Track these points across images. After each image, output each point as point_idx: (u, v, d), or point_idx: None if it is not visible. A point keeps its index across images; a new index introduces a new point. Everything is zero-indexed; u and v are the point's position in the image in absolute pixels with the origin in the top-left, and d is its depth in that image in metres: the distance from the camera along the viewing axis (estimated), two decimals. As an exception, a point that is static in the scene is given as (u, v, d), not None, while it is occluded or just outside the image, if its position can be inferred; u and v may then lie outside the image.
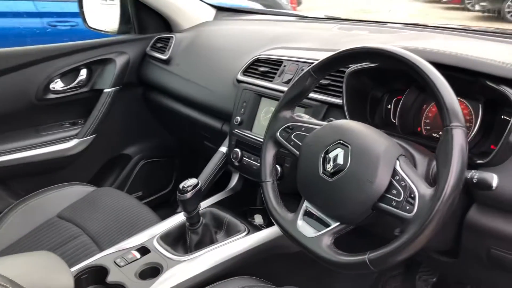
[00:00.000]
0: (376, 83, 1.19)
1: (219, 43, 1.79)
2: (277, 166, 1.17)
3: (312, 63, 1.29)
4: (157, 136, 2.24)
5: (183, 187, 1.17)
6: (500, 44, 1.26)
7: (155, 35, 2.03)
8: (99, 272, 1.14)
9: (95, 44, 1.89)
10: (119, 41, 1.98)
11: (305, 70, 1.03)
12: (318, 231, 0.91)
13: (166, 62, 1.90)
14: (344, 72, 1.18)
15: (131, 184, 2.15)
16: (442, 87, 0.79)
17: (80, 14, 1.98)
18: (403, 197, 0.80)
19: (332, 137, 0.92)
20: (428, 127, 1.14)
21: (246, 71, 1.51)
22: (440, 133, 1.10)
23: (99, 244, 1.31)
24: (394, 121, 1.19)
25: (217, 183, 1.50)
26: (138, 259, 1.17)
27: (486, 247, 0.98)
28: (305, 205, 0.96)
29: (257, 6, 3.14)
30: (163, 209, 2.04)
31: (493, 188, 0.78)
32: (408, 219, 0.78)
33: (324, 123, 0.99)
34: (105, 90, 1.92)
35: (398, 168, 0.83)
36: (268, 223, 1.47)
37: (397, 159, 0.84)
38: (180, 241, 1.30)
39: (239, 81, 1.51)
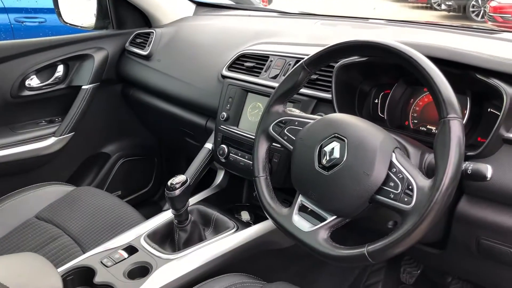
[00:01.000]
0: (365, 77, 1.20)
1: (201, 39, 1.77)
2: None
3: (300, 58, 1.30)
4: (137, 134, 2.20)
5: (171, 184, 1.14)
6: (481, 39, 1.29)
7: (134, 31, 1.99)
8: (86, 273, 1.11)
9: (72, 39, 1.84)
10: (97, 36, 1.93)
11: (297, 64, 1.03)
12: (314, 225, 0.91)
13: (147, 58, 1.86)
14: (332, 66, 1.18)
15: (110, 183, 2.11)
16: (438, 80, 0.80)
17: (55, 8, 1.93)
18: (401, 189, 0.80)
19: (328, 131, 0.92)
20: (415, 121, 1.16)
21: (231, 67, 1.49)
22: (428, 126, 1.13)
23: (81, 244, 1.27)
24: (382, 115, 1.20)
25: (201, 181, 1.48)
26: (125, 258, 1.15)
27: (476, 238, 1.00)
28: (300, 199, 0.95)
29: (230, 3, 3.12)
30: (144, 208, 2.02)
31: (488, 179, 0.79)
32: (406, 211, 0.79)
33: (318, 117, 0.99)
34: (83, 87, 1.87)
35: (394, 160, 0.84)
36: (255, 219, 1.46)
37: (393, 151, 0.85)
38: (167, 239, 1.28)
39: (224, 77, 1.49)
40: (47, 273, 0.92)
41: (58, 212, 1.38)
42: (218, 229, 1.31)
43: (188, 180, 1.17)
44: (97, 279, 1.07)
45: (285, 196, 1.39)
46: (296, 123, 1.01)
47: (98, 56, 1.89)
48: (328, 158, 0.89)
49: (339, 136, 0.89)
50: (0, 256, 1.09)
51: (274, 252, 1.34)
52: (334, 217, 0.89)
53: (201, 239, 1.24)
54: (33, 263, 0.94)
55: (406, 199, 0.79)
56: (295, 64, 1.30)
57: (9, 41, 1.72)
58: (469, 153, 0.94)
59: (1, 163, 1.73)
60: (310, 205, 0.93)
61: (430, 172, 0.89)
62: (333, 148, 0.89)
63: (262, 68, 1.40)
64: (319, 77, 1.24)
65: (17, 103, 1.77)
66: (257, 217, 1.48)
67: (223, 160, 1.42)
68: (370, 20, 1.67)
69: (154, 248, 1.17)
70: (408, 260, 1.68)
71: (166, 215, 1.31)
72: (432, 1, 10.01)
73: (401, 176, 0.81)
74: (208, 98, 1.55)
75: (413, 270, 1.65)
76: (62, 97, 1.88)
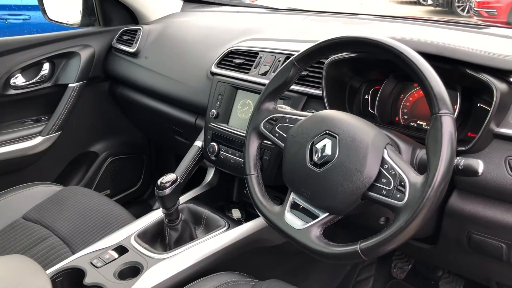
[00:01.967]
0: (355, 73, 1.19)
1: (189, 35, 1.75)
2: None
3: (290, 54, 1.29)
4: (125, 132, 2.17)
5: (161, 183, 1.13)
6: (470, 34, 1.29)
7: (121, 27, 1.97)
8: (75, 274, 1.09)
9: (58, 36, 1.81)
10: (83, 33, 1.90)
11: (288, 61, 1.02)
12: (306, 222, 0.90)
13: (134, 55, 1.84)
14: (322, 62, 1.17)
15: (99, 182, 2.08)
16: (429, 75, 0.79)
17: (39, 5, 1.89)
18: (393, 186, 0.80)
19: (319, 128, 0.91)
20: (406, 117, 1.16)
21: (220, 63, 1.48)
22: (418, 122, 1.13)
23: (70, 245, 1.25)
24: (372, 111, 1.19)
25: (191, 179, 1.47)
26: (116, 259, 1.13)
27: (467, 233, 1.00)
28: (292, 197, 0.95)
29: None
30: (134, 207, 2.00)
31: (479, 174, 0.79)
32: (399, 207, 0.78)
33: (309, 114, 0.98)
34: (69, 85, 1.84)
35: (386, 156, 0.83)
36: (246, 217, 1.45)
37: (385, 147, 0.85)
38: (158, 239, 1.27)
39: (213, 74, 1.48)
40: (36, 275, 0.90)
41: (46, 213, 1.36)
42: (209, 227, 1.30)
43: (178, 179, 1.15)
44: (87, 280, 1.06)
45: (276, 193, 1.38)
46: (287, 120, 1.00)
47: (85, 54, 1.87)
48: (319, 155, 0.88)
49: (330, 133, 0.89)
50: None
51: (265, 249, 1.34)
52: (327, 214, 0.88)
53: (192, 238, 1.23)
54: (21, 265, 0.93)
55: (398, 196, 0.79)
56: (285, 61, 1.30)
57: (-8, 39, 1.69)
58: (459, 148, 0.94)
59: (-13, 163, 1.70)
60: (302, 203, 0.93)
61: (421, 168, 0.89)
62: (324, 145, 0.88)
63: (251, 65, 1.39)
64: (309, 74, 1.23)
65: (2, 102, 1.74)
66: (248, 215, 1.47)
67: (213, 158, 1.40)
68: (359, 16, 1.67)
69: (145, 248, 1.16)
70: (399, 255, 1.69)
71: (156, 214, 1.29)
72: (418, -5, 10.06)
73: (393, 172, 0.81)
74: (197, 95, 1.54)
75: (404, 265, 1.66)
76: (48, 95, 1.85)
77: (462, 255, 1.09)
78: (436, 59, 0.97)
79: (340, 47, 0.96)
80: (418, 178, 0.78)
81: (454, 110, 1.05)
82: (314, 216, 0.90)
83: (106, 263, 1.11)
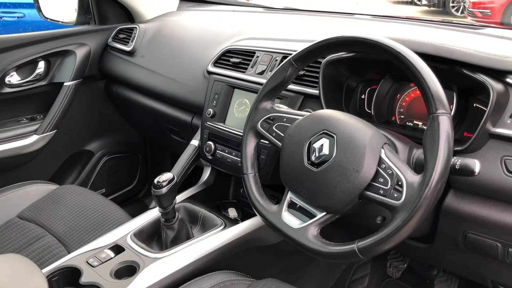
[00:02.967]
0: (352, 73, 1.20)
1: (186, 34, 1.74)
2: None
3: (287, 53, 1.30)
4: (121, 131, 2.17)
5: (158, 182, 1.13)
6: (465, 34, 1.30)
7: (117, 26, 1.96)
8: (71, 273, 1.09)
9: (53, 35, 1.80)
10: (79, 32, 1.89)
11: (285, 60, 1.02)
12: (303, 222, 0.91)
13: (130, 53, 1.83)
14: (319, 62, 1.17)
15: (94, 181, 2.08)
16: (427, 75, 0.80)
17: (35, 3, 1.88)
18: (391, 185, 0.80)
19: (316, 127, 0.91)
20: (402, 116, 1.16)
21: (217, 62, 1.48)
22: (414, 121, 1.13)
23: (66, 244, 1.25)
24: (368, 111, 1.20)
25: (187, 178, 1.47)
26: (112, 258, 1.13)
27: (462, 232, 1.01)
28: (289, 196, 0.95)
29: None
30: (129, 206, 1.99)
31: (476, 174, 0.79)
32: (396, 206, 0.79)
33: (306, 113, 0.98)
34: (65, 84, 1.83)
35: (383, 156, 0.84)
36: (243, 216, 1.45)
37: (382, 147, 0.85)
38: (154, 238, 1.27)
39: (209, 73, 1.48)
40: (32, 274, 0.90)
41: (41, 212, 1.36)
42: (206, 226, 1.30)
43: (175, 178, 1.15)
44: (83, 279, 1.05)
45: (272, 192, 1.38)
46: (285, 119, 1.01)
47: (80, 52, 1.86)
48: (317, 155, 0.88)
49: (328, 132, 0.89)
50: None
51: (261, 248, 1.34)
52: (324, 213, 0.89)
53: (188, 237, 1.23)
54: (16, 264, 0.92)
55: (395, 195, 0.79)
56: (281, 60, 1.30)
57: (-14, 37, 1.68)
58: (455, 148, 0.94)
59: (-18, 162, 1.69)
60: (299, 202, 0.93)
61: (418, 167, 0.90)
62: (322, 145, 0.88)
63: (248, 64, 1.39)
64: (306, 73, 1.23)
65: None
66: (245, 214, 1.47)
67: (210, 157, 1.40)
68: (356, 16, 1.67)
69: (141, 247, 1.16)
70: (394, 254, 1.69)
71: (152, 213, 1.29)
72: (413, -5, 10.10)
73: (390, 172, 0.81)
74: (194, 94, 1.53)
75: (400, 264, 1.66)
76: (44, 94, 1.84)
77: (458, 254, 1.10)
78: (432, 59, 0.98)
79: (338, 47, 0.96)
80: (415, 178, 0.79)
81: (450, 110, 1.05)
82: (312, 216, 0.90)
83: (102, 262, 1.11)
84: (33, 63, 1.78)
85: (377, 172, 0.83)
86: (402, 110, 1.16)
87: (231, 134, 1.35)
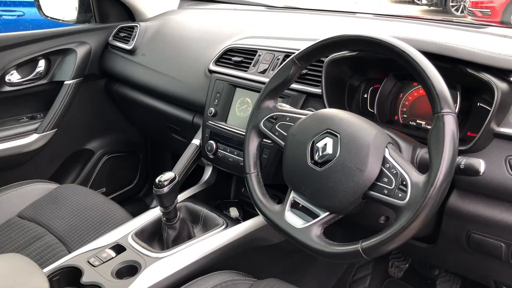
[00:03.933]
0: (354, 72, 1.19)
1: (187, 33, 1.74)
2: None
3: (289, 52, 1.29)
4: (121, 130, 2.16)
5: (159, 181, 1.12)
6: (468, 33, 1.29)
7: (118, 24, 1.95)
8: (72, 273, 1.08)
9: (53, 33, 1.79)
10: (79, 30, 1.88)
11: (288, 59, 1.01)
12: (306, 222, 0.90)
13: (131, 52, 1.83)
14: (322, 61, 1.17)
15: (95, 180, 2.07)
16: (431, 74, 0.79)
17: (35, 1, 1.88)
18: (395, 185, 0.80)
19: (320, 127, 0.90)
20: (405, 116, 1.15)
21: (219, 61, 1.47)
22: (417, 121, 1.13)
23: (66, 244, 1.24)
24: (371, 110, 1.19)
25: (188, 177, 1.46)
26: (113, 257, 1.12)
27: (466, 232, 1.00)
28: (292, 196, 0.94)
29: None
30: (129, 205, 1.99)
31: (481, 173, 0.79)
32: (401, 206, 0.78)
33: (309, 112, 0.97)
34: (65, 82, 1.82)
35: (388, 156, 0.83)
36: (244, 216, 1.45)
37: (386, 147, 0.84)
38: (155, 238, 1.27)
39: (211, 71, 1.47)
40: (33, 273, 0.89)
41: (42, 211, 1.35)
42: (207, 226, 1.29)
43: (177, 177, 1.15)
44: (85, 279, 1.05)
45: (274, 192, 1.38)
46: (288, 118, 1.00)
47: (81, 51, 1.85)
48: (320, 154, 0.88)
49: (331, 131, 0.88)
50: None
51: (263, 248, 1.33)
52: (327, 213, 0.88)
53: (190, 236, 1.22)
54: (17, 264, 0.91)
55: (400, 195, 0.79)
56: (284, 59, 1.29)
57: (-13, 35, 1.67)
58: (460, 148, 0.93)
59: (-18, 160, 1.68)
60: (302, 202, 0.92)
61: (422, 167, 0.89)
62: (325, 144, 0.88)
63: (250, 63, 1.38)
64: (309, 72, 1.23)
65: None
66: (246, 213, 1.47)
67: (211, 156, 1.40)
68: (357, 14, 1.67)
69: (143, 247, 1.15)
70: (396, 254, 1.69)
71: (153, 213, 1.29)
72: (413, -5, 10.11)
73: (394, 171, 0.81)
74: (195, 93, 1.53)
75: (401, 264, 1.66)
76: (44, 92, 1.83)
77: (461, 254, 1.09)
78: (436, 58, 0.97)
79: (342, 46, 0.95)
80: (420, 178, 0.78)
81: (455, 109, 1.05)
82: (315, 215, 0.90)
83: (104, 262, 1.10)
84: (34, 62, 1.78)
85: (381, 171, 0.82)
86: (405, 109, 1.15)
87: (233, 133, 1.34)
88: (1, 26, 3.47)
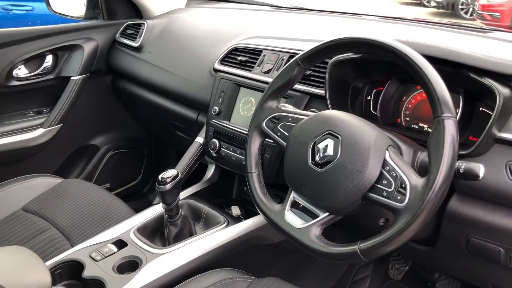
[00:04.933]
0: (358, 74, 1.19)
1: (193, 31, 1.75)
2: None
3: (293, 53, 1.29)
4: (126, 126, 2.17)
5: (162, 178, 1.13)
6: (473, 37, 1.29)
7: (125, 22, 1.96)
8: (74, 267, 1.10)
9: (61, 29, 1.81)
10: (87, 26, 1.89)
11: (292, 60, 1.02)
12: (306, 222, 0.91)
13: (137, 49, 1.84)
14: (326, 62, 1.17)
15: (99, 175, 2.08)
16: (433, 78, 0.80)
17: (43, -4, 1.89)
18: (394, 187, 0.80)
19: (321, 128, 0.91)
20: (407, 119, 1.16)
21: (224, 60, 1.48)
22: (420, 124, 1.13)
23: (69, 238, 1.25)
24: (374, 112, 1.20)
25: (191, 175, 1.48)
26: (115, 252, 1.14)
27: (465, 236, 1.01)
28: (293, 195, 0.95)
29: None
30: (133, 201, 2.00)
31: (480, 178, 0.79)
32: (399, 209, 0.79)
33: (312, 113, 0.98)
34: (72, 78, 1.84)
35: (388, 158, 0.84)
36: (246, 214, 1.46)
37: (387, 149, 0.85)
38: (157, 234, 1.28)
39: (216, 70, 1.48)
40: (35, 266, 0.90)
41: (46, 205, 1.36)
42: (209, 223, 1.30)
43: (179, 174, 1.16)
44: (86, 273, 1.06)
45: (275, 191, 1.39)
46: (290, 119, 1.01)
47: (88, 47, 1.86)
48: (321, 155, 0.89)
49: (333, 133, 0.89)
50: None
51: (264, 247, 1.34)
52: (327, 214, 0.89)
53: (191, 233, 1.23)
54: (20, 256, 0.92)
55: (399, 197, 0.79)
56: (288, 59, 1.30)
57: (-5, 30, 1.68)
58: (460, 152, 0.94)
59: (-12, 154, 1.70)
60: (302, 202, 0.93)
61: (422, 170, 0.89)
62: (326, 145, 0.89)
63: (255, 63, 1.39)
64: (313, 73, 1.23)
65: (4, 93, 1.74)
66: (248, 212, 1.48)
67: (214, 155, 1.41)
68: (363, 16, 1.67)
69: (144, 243, 1.16)
70: (396, 256, 1.69)
71: (156, 209, 1.30)
72: (422, -3, 10.08)
73: (394, 174, 0.81)
74: (200, 91, 1.54)
75: (401, 266, 1.66)
76: (51, 88, 1.85)
77: (460, 258, 1.10)
78: (439, 62, 0.97)
79: (345, 48, 0.96)
80: (419, 181, 0.79)
81: (456, 113, 1.05)
82: (314, 216, 0.90)
83: (105, 257, 1.11)
84: (41, 57, 1.79)
85: (381, 174, 0.83)
86: (407, 112, 1.16)
87: (236, 132, 1.35)
88: (11, 21, 3.49)
